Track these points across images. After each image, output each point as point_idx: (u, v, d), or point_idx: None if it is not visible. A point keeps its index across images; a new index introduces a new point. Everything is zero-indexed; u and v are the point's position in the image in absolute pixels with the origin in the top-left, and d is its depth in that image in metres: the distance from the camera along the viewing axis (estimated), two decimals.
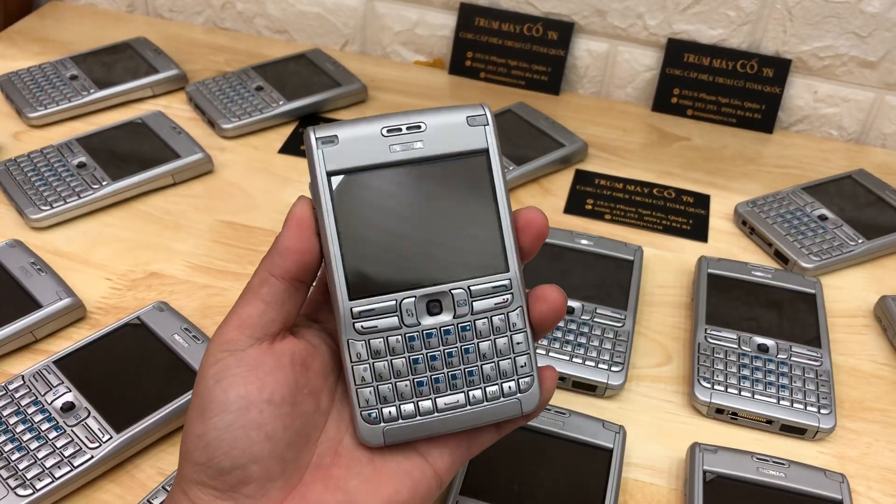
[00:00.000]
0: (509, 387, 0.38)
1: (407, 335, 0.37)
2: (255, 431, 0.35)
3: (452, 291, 0.37)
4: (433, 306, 0.37)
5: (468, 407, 0.38)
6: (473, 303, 0.37)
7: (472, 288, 0.37)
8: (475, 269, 0.37)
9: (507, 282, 0.37)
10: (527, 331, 0.38)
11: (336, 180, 0.36)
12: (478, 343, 0.37)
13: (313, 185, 0.37)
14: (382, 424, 0.37)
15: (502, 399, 0.38)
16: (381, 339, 0.37)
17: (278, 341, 0.37)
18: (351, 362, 0.37)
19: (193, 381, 0.53)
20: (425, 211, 0.37)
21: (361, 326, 0.36)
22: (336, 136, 0.36)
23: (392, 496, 0.36)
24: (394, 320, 0.37)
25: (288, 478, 0.36)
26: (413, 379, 0.37)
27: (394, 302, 0.37)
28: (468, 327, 0.37)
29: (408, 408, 0.37)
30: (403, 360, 0.37)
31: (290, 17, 0.95)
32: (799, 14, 0.82)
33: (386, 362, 0.37)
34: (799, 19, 0.83)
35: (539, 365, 0.39)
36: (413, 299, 0.37)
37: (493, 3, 0.90)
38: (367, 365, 0.37)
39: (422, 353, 0.37)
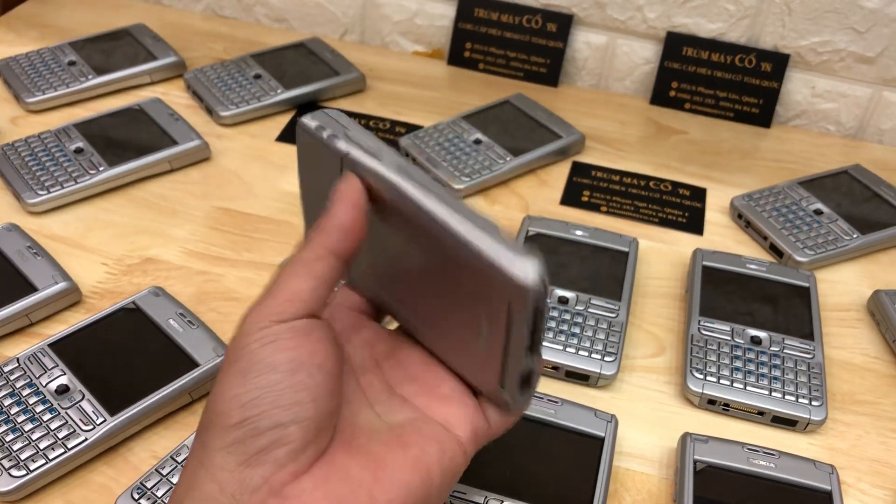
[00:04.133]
0: None
1: None
2: (304, 393, 0.33)
3: None
4: None
5: None
6: None
7: None
8: None
9: None
10: None
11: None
12: None
13: None
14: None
15: None
16: None
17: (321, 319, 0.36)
18: None
19: (187, 366, 0.54)
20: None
21: None
22: None
23: (420, 455, 0.35)
24: None
25: (317, 448, 0.34)
26: None
27: None
28: None
29: None
30: None
31: (289, 6, 0.95)
32: (798, 9, 0.82)
33: None
34: (798, 14, 0.83)
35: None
36: None
37: None
38: None
39: None
